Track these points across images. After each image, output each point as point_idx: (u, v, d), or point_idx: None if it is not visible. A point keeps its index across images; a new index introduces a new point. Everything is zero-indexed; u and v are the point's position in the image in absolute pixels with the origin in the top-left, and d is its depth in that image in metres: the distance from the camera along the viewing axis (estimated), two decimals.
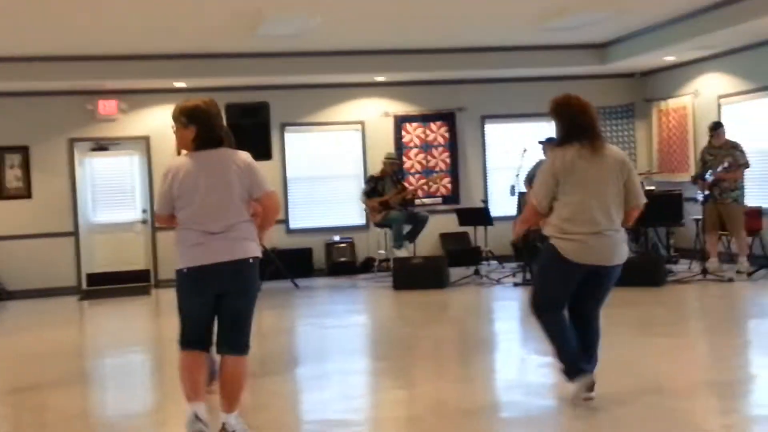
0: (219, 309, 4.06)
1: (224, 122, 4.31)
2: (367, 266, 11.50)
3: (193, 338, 4.09)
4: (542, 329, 4.58)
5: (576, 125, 4.37)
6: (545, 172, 4.42)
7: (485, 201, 11.62)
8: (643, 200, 4.48)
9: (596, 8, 8.92)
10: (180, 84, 11.12)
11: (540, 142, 10.59)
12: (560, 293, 4.50)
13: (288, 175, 11.71)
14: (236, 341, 4.08)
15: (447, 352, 6.60)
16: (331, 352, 6.66)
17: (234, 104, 9.33)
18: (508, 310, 8.50)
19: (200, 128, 4.03)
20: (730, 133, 9.59)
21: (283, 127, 11.74)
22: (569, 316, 4.57)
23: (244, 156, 4.10)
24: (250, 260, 4.02)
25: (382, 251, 11.19)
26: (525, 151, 10.59)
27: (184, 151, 4.17)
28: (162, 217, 4.14)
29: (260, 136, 9.28)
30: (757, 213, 9.72)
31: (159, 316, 9.62)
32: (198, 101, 4.11)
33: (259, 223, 4.14)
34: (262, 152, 8.51)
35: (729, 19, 8.91)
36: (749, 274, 8.86)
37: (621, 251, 4.45)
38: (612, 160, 4.37)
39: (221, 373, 4.11)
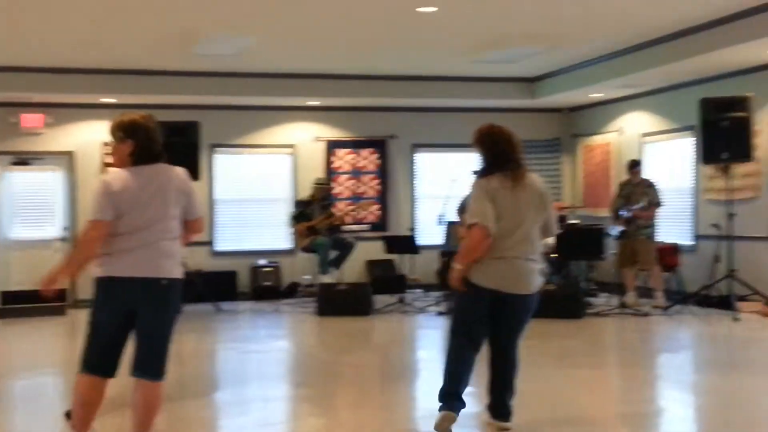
0: (135, 328, 3.91)
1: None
2: (292, 291, 11.41)
3: (97, 361, 3.92)
4: (449, 348, 4.57)
5: (499, 155, 4.39)
6: (480, 197, 4.34)
7: (412, 229, 11.72)
8: (555, 233, 4.55)
9: (528, 43, 9.12)
10: (109, 100, 10.93)
11: (474, 173, 10.73)
12: (470, 318, 4.45)
13: (215, 196, 11.59)
14: (151, 364, 3.92)
15: (369, 380, 6.57)
16: (251, 378, 6.57)
17: (163, 122, 9.14)
18: (431, 338, 8.53)
19: (137, 143, 3.94)
20: (652, 171, 9.88)
21: (212, 147, 11.62)
22: (489, 348, 4.53)
23: (184, 174, 4.02)
24: (172, 280, 3.92)
25: (308, 276, 11.13)
26: (454, 181, 10.68)
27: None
28: (101, 225, 3.85)
29: (189, 156, 9.17)
30: (673, 249, 10.01)
31: (74, 337, 9.33)
32: (135, 115, 4.04)
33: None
34: (190, 172, 8.33)
35: (653, 60, 9.23)
36: (665, 309, 9.09)
37: (532, 280, 4.41)
38: (533, 190, 4.40)
39: (133, 398, 3.96)
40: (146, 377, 3.92)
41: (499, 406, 4.52)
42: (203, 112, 11.16)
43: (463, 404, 4.48)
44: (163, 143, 4.00)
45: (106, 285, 3.89)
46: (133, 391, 3.97)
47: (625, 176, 10.07)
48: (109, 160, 9.46)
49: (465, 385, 4.47)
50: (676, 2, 7.46)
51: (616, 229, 9.64)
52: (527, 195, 4.35)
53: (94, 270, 3.91)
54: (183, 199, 3.96)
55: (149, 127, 3.99)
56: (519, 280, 4.36)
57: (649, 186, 9.55)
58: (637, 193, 9.47)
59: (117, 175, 3.94)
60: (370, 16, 7.97)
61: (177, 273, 3.96)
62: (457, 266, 4.38)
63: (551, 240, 4.74)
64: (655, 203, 9.45)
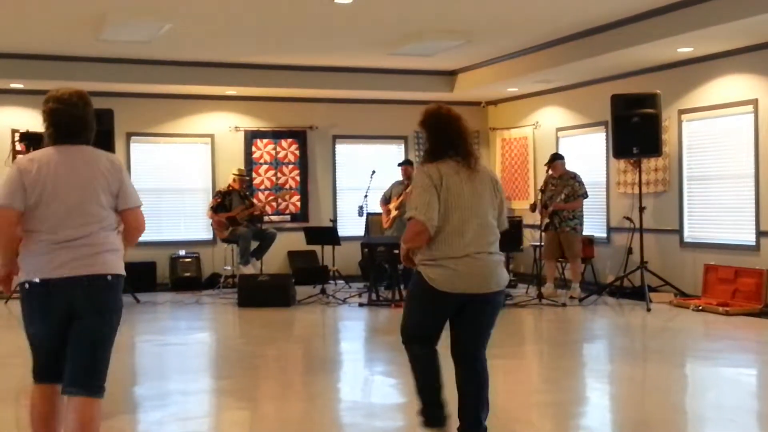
0: (71, 336, 3.40)
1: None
2: (213, 282, 11.29)
3: (43, 369, 3.47)
4: (408, 360, 4.06)
5: (449, 139, 3.90)
6: (424, 187, 3.81)
7: (334, 220, 11.72)
8: (505, 227, 4.06)
9: (445, 37, 9.21)
10: (17, 85, 10.57)
11: (399, 164, 10.82)
12: (429, 325, 3.94)
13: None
14: (88, 378, 3.39)
15: (291, 372, 6.57)
16: (171, 371, 6.48)
17: None
18: (352, 330, 8.56)
19: (54, 120, 3.48)
20: (568, 165, 10.10)
21: (129, 136, 11.40)
22: (455, 363, 4.00)
23: (115, 158, 3.58)
24: (109, 277, 3.43)
25: (228, 267, 11.03)
26: (374, 173, 10.77)
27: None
28: (5, 213, 3.33)
29: (103, 145, 8.77)
30: (588, 241, 10.29)
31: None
32: (52, 92, 3.56)
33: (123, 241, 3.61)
34: None
35: (567, 57, 9.45)
36: (581, 300, 9.34)
37: (499, 276, 3.89)
38: (487, 178, 3.96)
39: (67, 420, 3.43)
40: (83, 393, 3.39)
41: (475, 426, 3.92)
42: (119, 100, 10.91)
43: (446, 412, 3.98)
44: (87, 123, 3.52)
45: (37, 291, 3.38)
46: (66, 412, 3.44)
47: (544, 169, 10.26)
48: (20, 147, 9.22)
49: (441, 386, 3.97)
50: (589, 1, 7.64)
51: (543, 223, 9.80)
52: (482, 184, 3.90)
53: (21, 274, 3.44)
54: (114, 184, 3.46)
55: (72, 102, 3.50)
56: (487, 278, 3.83)
57: (572, 178, 9.74)
58: (560, 186, 9.67)
59: (36, 155, 3.46)
60: (288, 6, 7.92)
61: (117, 268, 3.49)
62: (403, 245, 3.96)
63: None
64: (578, 195, 9.65)
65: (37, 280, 3.38)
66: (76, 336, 3.41)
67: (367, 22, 8.61)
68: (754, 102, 8.49)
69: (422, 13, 8.21)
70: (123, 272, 3.53)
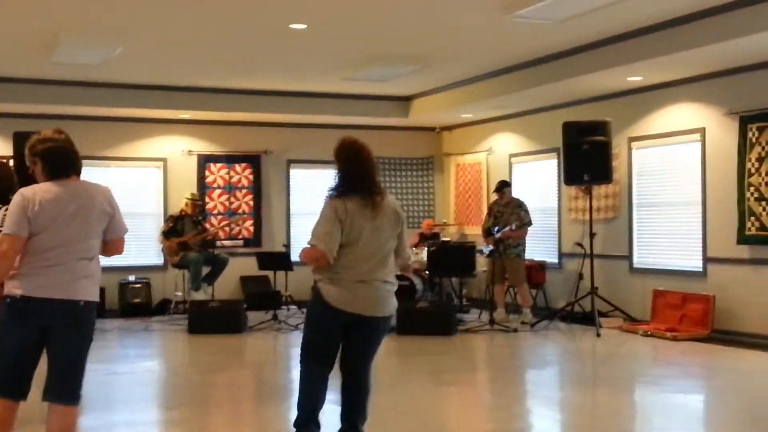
0: (48, 351, 3.74)
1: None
2: (163, 308, 11.13)
3: (8, 384, 3.73)
4: (300, 375, 4.43)
5: (359, 174, 4.19)
6: (328, 219, 4.14)
7: (287, 245, 11.65)
8: (409, 255, 4.51)
9: (399, 63, 9.27)
10: None
11: (330, 190, 10.79)
12: (323, 341, 4.28)
13: None
14: (65, 388, 3.75)
15: (241, 400, 6.48)
16: (119, 401, 6.34)
17: (22, 133, 8.72)
18: None
19: (46, 159, 3.79)
20: (521, 191, 10.20)
21: None
22: (341, 373, 4.40)
23: (108, 190, 3.92)
24: (89, 302, 3.76)
25: (179, 293, 10.88)
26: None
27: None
28: (17, 241, 3.64)
29: None
30: (540, 267, 10.37)
31: None
32: (37, 135, 3.88)
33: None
34: None
35: (519, 84, 9.56)
36: (532, 325, 9.39)
37: (388, 303, 4.29)
38: (390, 211, 4.25)
39: (47, 424, 3.77)
40: (60, 402, 3.76)
41: (352, 431, 4.43)
42: (69, 123, 10.63)
43: (319, 428, 4.43)
44: (18, 157, 3.92)
45: (17, 305, 3.68)
46: (47, 417, 3.79)
47: (495, 196, 10.35)
48: None
49: (320, 408, 4.40)
50: (539, 31, 7.75)
51: (487, 248, 9.90)
52: (385, 218, 4.22)
53: (6, 288, 3.72)
54: (107, 218, 3.83)
55: (56, 139, 3.85)
56: (379, 303, 4.24)
57: (518, 206, 9.84)
58: (507, 214, 9.74)
59: (38, 188, 3.75)
60: (243, 31, 7.91)
61: (94, 295, 3.80)
62: (301, 257, 4.33)
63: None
64: (525, 224, 9.74)
65: (27, 295, 3.66)
66: (54, 352, 3.74)
67: (322, 47, 8.63)
68: (702, 131, 8.66)
69: (377, 38, 8.26)
70: (97, 299, 3.83)
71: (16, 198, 3.73)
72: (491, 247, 9.74)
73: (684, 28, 7.35)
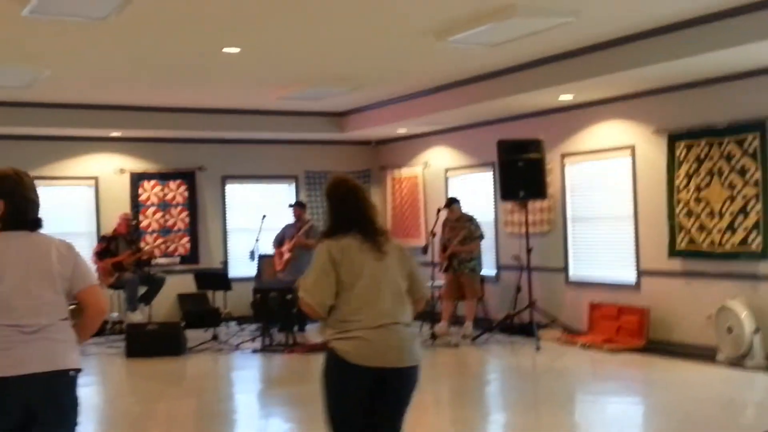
0: None
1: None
2: (100, 329, 10.87)
3: None
4: None
5: (351, 215, 3.75)
6: (318, 265, 3.65)
7: (224, 262, 11.56)
8: (427, 291, 3.94)
9: (331, 84, 9.31)
10: None
11: (290, 205, 10.79)
12: (348, 410, 3.63)
13: None
14: None
15: (182, 429, 6.40)
16: None
17: None
18: (246, 380, 8.43)
19: (11, 204, 3.22)
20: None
21: None
22: None
23: (65, 242, 3.36)
24: (71, 373, 3.16)
25: (115, 314, 10.68)
26: (264, 217, 10.68)
27: None
28: None
29: None
30: (479, 280, 10.48)
31: None
32: (8, 170, 3.29)
33: (78, 328, 3.30)
34: None
35: (453, 102, 9.66)
36: (473, 339, 9.50)
37: (414, 349, 3.69)
38: (394, 249, 3.78)
39: None
40: None
41: None
42: None
43: None
44: (38, 206, 3.32)
45: None
46: None
47: (434, 208, 10.40)
48: None
49: None
50: (473, 54, 7.83)
51: (442, 265, 9.93)
52: (389, 257, 3.72)
53: None
54: (68, 267, 3.25)
55: (25, 184, 3.28)
56: (404, 351, 3.63)
57: (468, 220, 9.91)
58: (458, 229, 9.83)
59: None
60: (176, 53, 7.81)
61: (77, 362, 3.22)
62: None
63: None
64: (475, 237, 9.83)
65: None
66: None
67: (256, 69, 8.59)
68: (632, 147, 8.89)
69: (310, 61, 8.25)
70: (81, 366, 3.25)
71: None
72: (445, 262, 9.80)
73: (613, 51, 7.52)
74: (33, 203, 3.31)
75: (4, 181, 3.24)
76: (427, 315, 10.08)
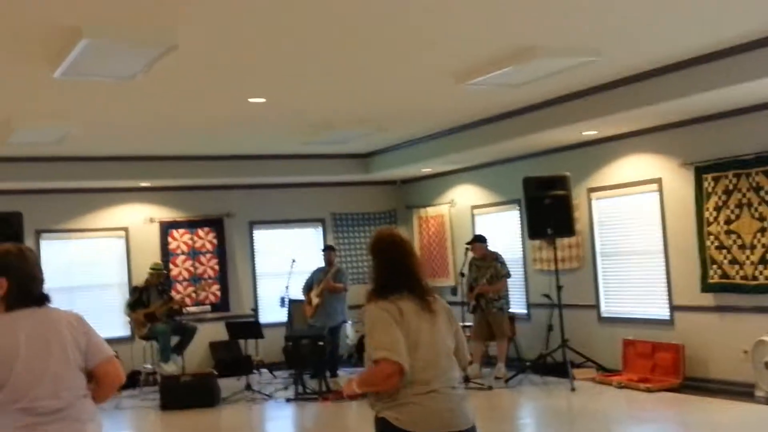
0: None
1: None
2: (133, 381, 10.92)
3: None
4: None
5: (401, 272, 3.57)
6: (384, 322, 3.43)
7: (255, 309, 11.59)
8: (467, 360, 3.69)
9: (355, 127, 9.35)
10: None
11: (323, 250, 10.81)
12: None
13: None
14: None
15: None
16: None
17: None
18: (281, 430, 8.39)
19: (13, 282, 3.11)
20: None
21: (38, 234, 11.07)
22: None
23: (75, 314, 3.25)
24: None
25: (149, 365, 10.72)
26: (293, 262, 10.71)
27: None
28: None
29: None
30: (510, 319, 10.41)
31: None
32: (10, 246, 3.22)
33: (94, 394, 3.20)
34: None
35: (478, 141, 9.68)
36: (506, 380, 9.40)
37: (469, 411, 3.53)
38: (441, 309, 3.62)
39: None
40: None
41: None
42: (27, 197, 10.68)
43: None
44: (43, 282, 3.20)
45: None
46: None
47: (462, 246, 10.39)
48: None
49: None
50: (494, 94, 7.86)
51: (470, 304, 9.87)
52: (439, 318, 3.59)
53: None
54: (82, 340, 3.13)
55: (28, 260, 3.19)
56: (460, 415, 3.49)
57: (494, 259, 9.88)
58: (484, 268, 9.80)
59: None
60: (202, 107, 7.93)
61: None
62: (355, 388, 3.53)
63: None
64: (501, 276, 9.79)
65: None
66: None
67: (281, 117, 8.69)
68: (659, 181, 8.83)
69: (334, 107, 8.34)
70: None
71: None
72: (473, 302, 9.76)
73: (635, 86, 7.50)
74: (37, 279, 3.20)
75: (6, 257, 3.16)
76: None
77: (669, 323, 8.75)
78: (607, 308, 9.62)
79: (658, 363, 8.66)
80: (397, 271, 3.55)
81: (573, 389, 8.68)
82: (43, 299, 3.18)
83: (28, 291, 3.14)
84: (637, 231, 9.25)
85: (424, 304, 3.52)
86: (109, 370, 3.19)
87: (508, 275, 9.85)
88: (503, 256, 9.97)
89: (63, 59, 5.51)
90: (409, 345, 3.41)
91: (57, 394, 3.05)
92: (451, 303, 10.32)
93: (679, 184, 8.58)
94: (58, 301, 3.37)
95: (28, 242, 10.04)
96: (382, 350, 3.36)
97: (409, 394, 3.41)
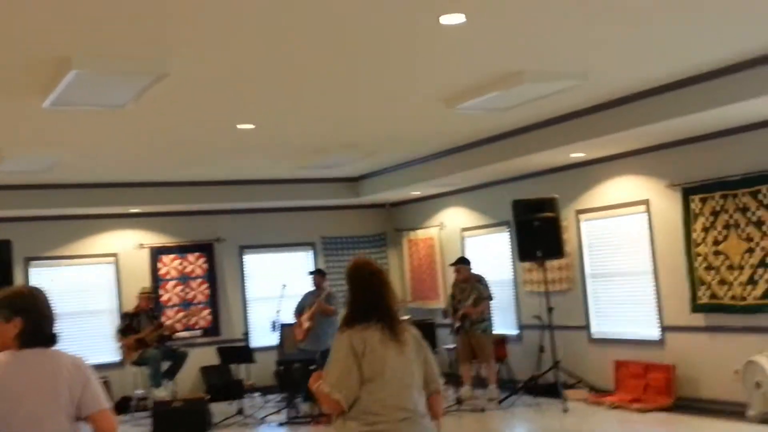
0: None
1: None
2: (124, 406, 10.86)
3: None
4: None
5: (372, 299, 3.76)
6: (342, 357, 3.63)
7: (246, 333, 11.56)
8: (441, 383, 3.90)
9: (345, 152, 9.42)
10: None
11: (311, 273, 10.81)
12: None
13: None
14: None
15: None
16: None
17: None
18: None
19: (27, 320, 3.22)
20: (476, 265, 10.25)
21: (27, 261, 11.04)
22: None
23: (77, 360, 3.29)
24: None
25: (140, 390, 10.67)
26: (284, 286, 10.71)
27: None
28: None
29: (1, 277, 8.66)
30: (501, 341, 10.44)
31: None
32: (23, 288, 3.42)
33: None
34: None
35: (466, 163, 9.74)
36: (500, 402, 9.40)
37: None
38: (411, 338, 3.77)
39: None
40: None
41: None
42: (16, 225, 10.66)
43: None
44: (54, 321, 3.31)
45: None
46: None
47: (452, 268, 10.43)
48: None
49: None
50: (483, 118, 7.92)
51: (454, 325, 9.89)
52: (408, 347, 3.73)
53: None
54: (77, 388, 3.18)
55: (40, 300, 3.31)
56: None
57: (477, 281, 9.92)
58: (467, 290, 9.83)
59: None
60: (191, 133, 7.96)
61: None
62: (315, 387, 3.73)
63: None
64: (484, 298, 9.83)
65: None
66: None
67: (270, 143, 8.75)
68: (646, 202, 8.89)
69: (323, 133, 8.39)
70: None
71: None
72: (458, 324, 9.78)
73: (621, 109, 7.57)
74: (49, 319, 3.31)
75: (21, 298, 3.29)
76: (450, 378, 10.04)
77: (660, 343, 8.78)
78: (597, 329, 9.64)
79: (650, 383, 8.68)
80: (369, 300, 3.75)
81: (566, 410, 8.69)
82: (52, 339, 3.28)
83: (40, 330, 3.25)
84: (625, 252, 9.30)
85: (391, 333, 3.68)
86: (100, 423, 3.23)
87: (490, 298, 9.89)
88: (487, 279, 9.99)
89: (52, 89, 5.53)
90: (372, 373, 3.61)
91: None
92: (441, 326, 10.38)
93: (667, 205, 8.65)
94: None
95: (17, 269, 10.06)
96: (329, 386, 3.62)
97: (384, 421, 3.59)
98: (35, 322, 3.25)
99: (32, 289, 3.37)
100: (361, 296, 3.79)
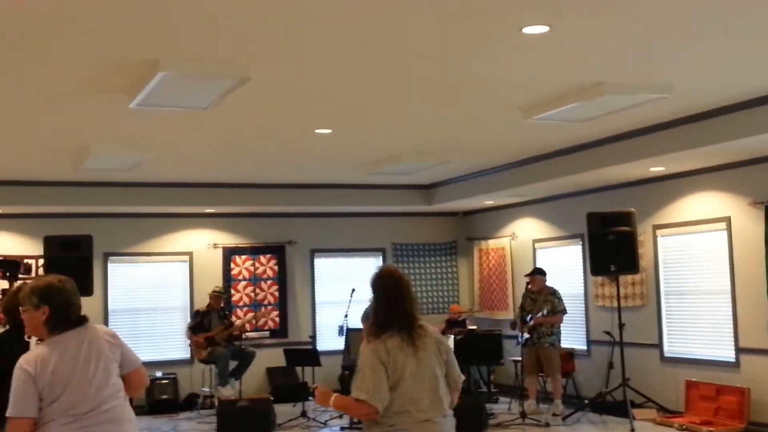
0: None
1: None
2: (191, 403, 11.09)
3: None
4: None
5: (395, 308, 3.93)
6: (371, 366, 3.80)
7: (313, 337, 11.64)
8: (462, 380, 4.08)
9: (419, 159, 9.42)
10: None
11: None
12: None
13: (110, 307, 11.27)
14: None
15: None
16: None
17: (53, 237, 8.94)
18: None
19: (54, 308, 3.64)
20: (547, 277, 10.14)
21: (106, 257, 11.34)
22: None
23: (110, 330, 3.85)
24: None
25: (206, 388, 10.85)
26: (353, 291, 10.74)
27: (33, 338, 3.76)
28: (21, 423, 3.47)
29: (81, 271, 8.83)
30: (569, 355, 10.28)
31: None
32: (51, 278, 3.75)
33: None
34: (83, 288, 8.05)
35: (542, 174, 9.63)
36: (564, 417, 9.26)
37: None
38: (430, 341, 3.96)
39: None
40: None
41: None
42: (96, 221, 10.96)
43: None
44: (49, 260, 3.82)
45: None
46: None
47: (522, 280, 10.33)
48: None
49: None
50: (559, 128, 7.83)
51: (521, 337, 9.80)
52: (427, 351, 3.93)
53: None
54: (117, 351, 3.73)
55: (67, 290, 3.71)
56: None
57: (551, 293, 9.80)
58: (540, 301, 9.72)
59: (38, 353, 3.57)
60: (270, 136, 8.07)
61: None
62: (331, 404, 3.95)
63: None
64: (559, 311, 9.70)
65: None
66: None
67: (346, 148, 8.80)
68: (727, 220, 8.66)
69: (399, 139, 8.40)
70: None
71: (20, 372, 3.53)
72: (527, 335, 9.68)
73: (706, 123, 7.41)
74: (75, 306, 3.73)
75: (49, 289, 3.68)
76: (515, 391, 9.93)
77: (734, 365, 8.53)
78: (670, 348, 9.42)
79: (722, 406, 8.44)
80: (392, 307, 3.94)
81: (632, 430, 8.50)
82: (81, 321, 3.73)
83: (66, 316, 3.68)
84: (703, 270, 9.07)
85: (409, 339, 3.90)
86: (137, 377, 3.84)
87: (564, 311, 9.75)
88: (560, 292, 9.86)
89: (139, 90, 5.68)
90: (395, 380, 3.82)
91: (101, 401, 3.60)
92: (508, 337, 10.27)
93: (749, 223, 8.41)
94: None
95: (96, 265, 10.29)
96: (364, 393, 3.77)
97: (404, 426, 3.80)
98: (62, 309, 3.66)
99: (60, 279, 3.74)
100: (386, 303, 3.96)
